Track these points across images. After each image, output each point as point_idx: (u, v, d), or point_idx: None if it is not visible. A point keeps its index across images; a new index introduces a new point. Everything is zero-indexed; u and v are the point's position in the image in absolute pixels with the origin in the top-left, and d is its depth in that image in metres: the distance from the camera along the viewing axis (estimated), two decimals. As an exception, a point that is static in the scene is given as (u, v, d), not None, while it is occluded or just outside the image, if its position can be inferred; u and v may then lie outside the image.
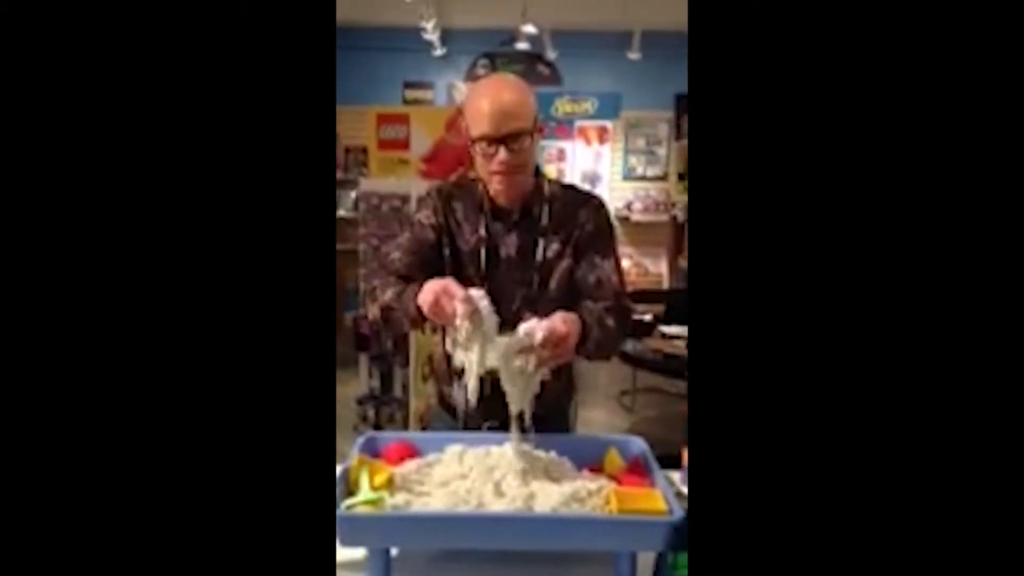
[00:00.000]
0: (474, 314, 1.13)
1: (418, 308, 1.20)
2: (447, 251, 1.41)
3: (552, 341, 1.14)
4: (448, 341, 1.18)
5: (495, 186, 1.34)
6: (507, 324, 1.35)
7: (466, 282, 1.37)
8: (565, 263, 1.39)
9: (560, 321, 1.17)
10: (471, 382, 1.16)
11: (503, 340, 1.15)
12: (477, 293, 1.17)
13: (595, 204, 1.43)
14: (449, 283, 1.17)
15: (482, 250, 1.39)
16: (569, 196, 1.43)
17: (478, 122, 1.28)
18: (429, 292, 1.17)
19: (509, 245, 1.40)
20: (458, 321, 1.13)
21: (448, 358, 1.45)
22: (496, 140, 1.27)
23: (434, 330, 1.51)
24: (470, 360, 1.15)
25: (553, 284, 1.39)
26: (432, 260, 1.40)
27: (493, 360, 1.14)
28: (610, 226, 1.44)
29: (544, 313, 1.35)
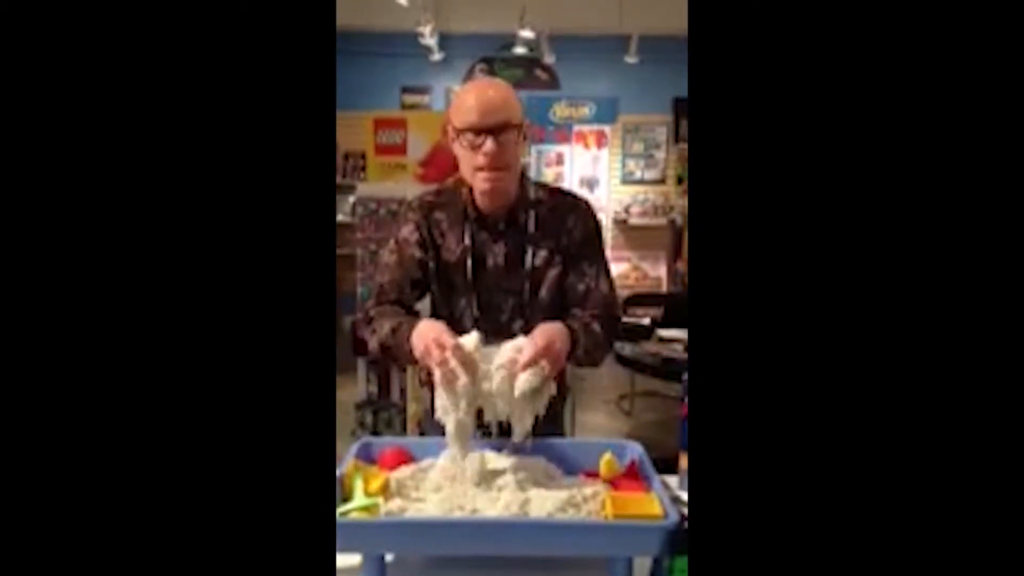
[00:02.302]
0: (465, 364, 1.11)
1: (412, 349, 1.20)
2: (432, 264, 1.38)
3: (545, 353, 1.13)
4: (437, 389, 1.14)
5: (479, 184, 1.31)
6: (497, 334, 1.35)
7: (454, 293, 1.38)
8: (555, 271, 1.38)
9: (546, 331, 1.17)
10: (456, 430, 1.13)
11: (498, 366, 1.13)
12: (470, 340, 1.14)
13: (582, 209, 1.41)
14: (441, 332, 1.14)
15: (468, 260, 1.36)
16: (556, 201, 1.40)
17: (464, 114, 1.27)
18: (420, 340, 1.17)
19: (496, 254, 1.37)
20: (442, 375, 1.11)
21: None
22: (482, 131, 1.25)
23: None
24: (459, 408, 1.11)
25: (544, 292, 1.38)
26: (422, 277, 1.39)
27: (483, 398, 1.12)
28: (598, 231, 1.42)
29: (535, 322, 1.35)
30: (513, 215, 1.37)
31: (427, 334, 1.16)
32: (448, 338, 1.13)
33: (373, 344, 1.32)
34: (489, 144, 1.26)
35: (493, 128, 1.25)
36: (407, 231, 1.39)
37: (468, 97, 1.27)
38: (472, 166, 1.29)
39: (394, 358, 1.30)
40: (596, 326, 1.31)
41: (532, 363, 1.12)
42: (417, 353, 1.18)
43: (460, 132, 1.28)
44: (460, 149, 1.30)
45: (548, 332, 1.17)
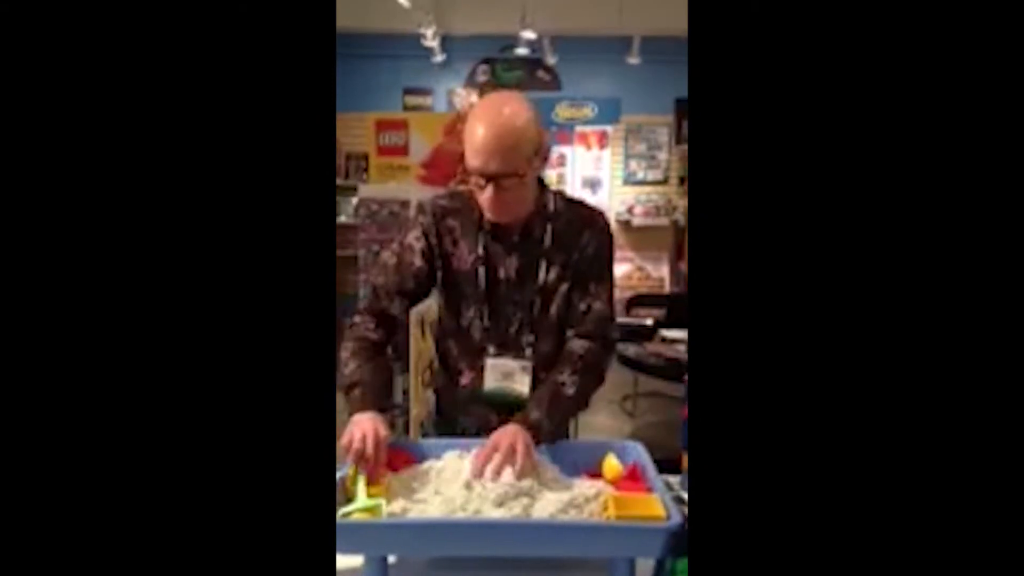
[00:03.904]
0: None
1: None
2: (440, 273, 1.37)
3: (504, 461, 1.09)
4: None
5: (486, 212, 1.29)
6: (505, 347, 1.36)
7: (463, 303, 1.37)
8: (566, 286, 1.36)
9: (497, 439, 1.12)
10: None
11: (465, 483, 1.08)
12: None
13: (599, 225, 1.38)
14: (358, 441, 1.09)
15: (480, 270, 1.35)
16: (573, 214, 1.37)
17: (470, 152, 1.23)
18: (347, 433, 1.12)
19: (508, 266, 1.35)
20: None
21: (446, 369, 1.45)
22: (484, 175, 1.22)
23: (435, 338, 1.51)
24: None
25: (553, 309, 1.36)
26: (415, 288, 1.37)
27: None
28: (610, 248, 1.40)
29: (544, 337, 1.36)
30: (528, 227, 1.34)
31: (355, 434, 1.11)
32: (361, 447, 1.09)
33: (348, 372, 1.27)
34: (489, 191, 1.23)
35: (494, 175, 1.22)
36: (413, 237, 1.37)
37: (477, 133, 1.21)
38: (480, 197, 1.27)
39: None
40: (569, 388, 1.27)
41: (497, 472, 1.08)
42: (342, 442, 1.11)
43: (468, 169, 1.25)
44: (470, 180, 1.27)
45: (500, 439, 1.13)
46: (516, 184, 1.24)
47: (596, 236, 1.37)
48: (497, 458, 1.09)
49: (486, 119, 1.21)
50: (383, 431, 1.13)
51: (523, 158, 1.23)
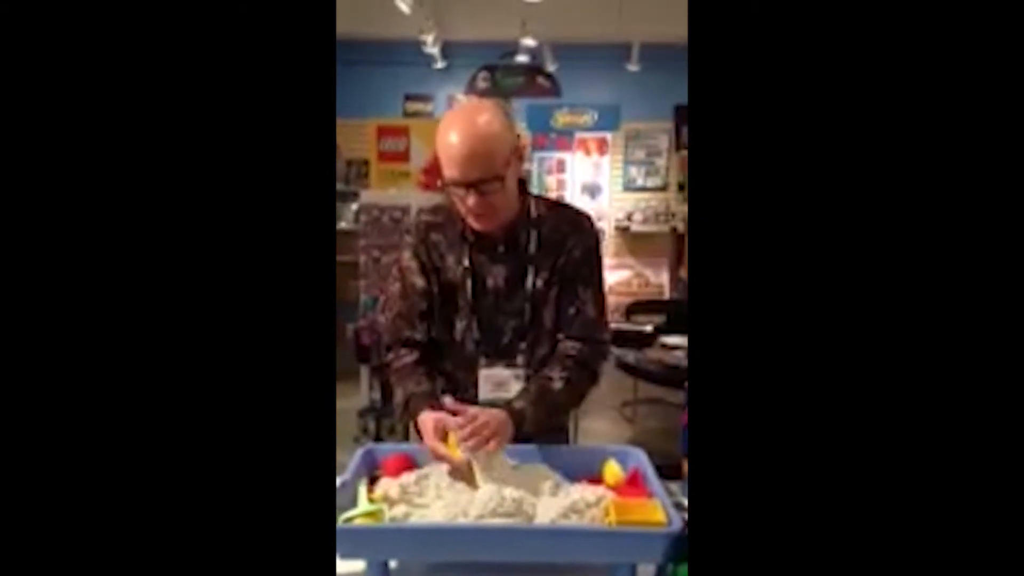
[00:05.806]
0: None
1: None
2: (435, 288, 1.37)
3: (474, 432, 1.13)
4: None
5: (471, 222, 1.29)
6: (499, 357, 1.35)
7: (454, 315, 1.37)
8: (555, 291, 1.35)
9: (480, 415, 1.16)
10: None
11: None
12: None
13: (585, 228, 1.38)
14: (430, 433, 1.17)
15: (467, 281, 1.34)
16: (558, 218, 1.37)
17: (446, 164, 1.23)
18: (423, 432, 1.20)
19: (496, 276, 1.35)
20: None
21: (444, 379, 1.46)
22: (464, 185, 1.22)
23: None
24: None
25: (546, 315, 1.35)
26: (427, 308, 1.38)
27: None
28: (597, 250, 1.39)
29: (539, 345, 1.36)
30: (513, 235, 1.34)
31: (425, 431, 1.20)
32: (436, 444, 1.16)
33: (399, 400, 1.36)
34: (472, 199, 1.23)
35: (475, 183, 1.21)
36: (407, 257, 1.39)
37: (450, 144, 1.21)
38: (462, 207, 1.27)
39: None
40: (557, 383, 1.30)
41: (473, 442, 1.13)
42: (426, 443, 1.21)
43: (445, 182, 1.25)
44: (449, 192, 1.27)
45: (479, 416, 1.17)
46: (498, 188, 1.23)
47: (583, 239, 1.36)
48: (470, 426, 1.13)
49: (458, 128, 1.21)
50: (441, 413, 1.18)
51: (500, 161, 1.22)
